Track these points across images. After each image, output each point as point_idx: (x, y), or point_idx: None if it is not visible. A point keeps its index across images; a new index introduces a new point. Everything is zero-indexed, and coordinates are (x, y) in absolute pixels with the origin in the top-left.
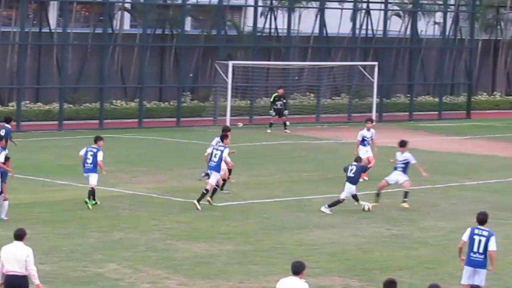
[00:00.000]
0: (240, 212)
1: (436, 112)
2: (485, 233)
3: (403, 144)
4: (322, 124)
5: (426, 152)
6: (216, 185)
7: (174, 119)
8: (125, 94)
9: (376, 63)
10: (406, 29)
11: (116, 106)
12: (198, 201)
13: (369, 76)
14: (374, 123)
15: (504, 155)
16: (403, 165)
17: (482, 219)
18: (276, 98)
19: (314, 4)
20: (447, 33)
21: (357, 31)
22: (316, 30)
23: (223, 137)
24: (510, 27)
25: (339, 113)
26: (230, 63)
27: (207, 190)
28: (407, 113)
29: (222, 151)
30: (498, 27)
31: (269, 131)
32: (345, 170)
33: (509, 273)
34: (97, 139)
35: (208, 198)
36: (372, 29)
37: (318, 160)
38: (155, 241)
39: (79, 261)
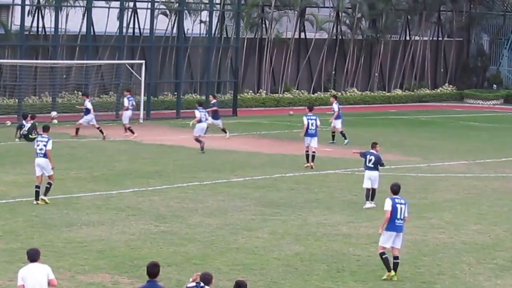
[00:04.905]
0: (8, 211)
1: None
2: (403, 201)
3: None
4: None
5: (192, 149)
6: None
7: None
8: None
9: (143, 61)
10: (172, 28)
11: None
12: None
13: (136, 75)
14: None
15: (269, 152)
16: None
17: (396, 190)
18: None
19: (81, 3)
20: (213, 31)
21: (124, 30)
22: (84, 29)
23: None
24: (275, 26)
25: (107, 111)
26: None
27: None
28: (174, 111)
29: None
30: (263, 25)
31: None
32: (365, 157)
33: (276, 267)
34: None
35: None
36: (139, 28)
37: (85, 158)
38: None
39: None
